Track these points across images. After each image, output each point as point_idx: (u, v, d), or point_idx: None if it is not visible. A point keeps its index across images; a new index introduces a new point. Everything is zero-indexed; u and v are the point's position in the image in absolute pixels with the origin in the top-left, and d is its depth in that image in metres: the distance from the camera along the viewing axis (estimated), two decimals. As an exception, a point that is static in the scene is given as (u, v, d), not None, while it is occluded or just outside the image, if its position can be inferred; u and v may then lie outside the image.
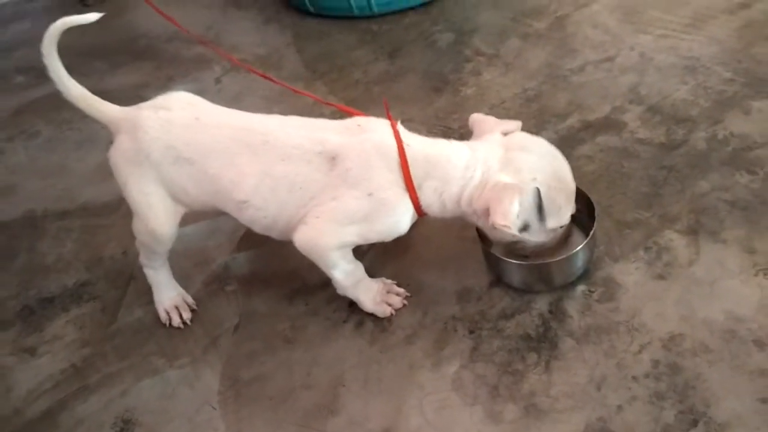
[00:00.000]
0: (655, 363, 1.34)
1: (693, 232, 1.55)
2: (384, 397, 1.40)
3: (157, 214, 1.50)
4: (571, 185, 1.41)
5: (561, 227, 1.43)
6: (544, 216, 1.37)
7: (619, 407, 1.29)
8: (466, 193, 1.39)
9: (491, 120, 1.48)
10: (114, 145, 1.51)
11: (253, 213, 1.46)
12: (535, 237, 1.41)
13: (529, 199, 1.35)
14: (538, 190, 1.35)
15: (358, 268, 1.51)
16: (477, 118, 1.50)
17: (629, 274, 1.50)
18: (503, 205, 1.32)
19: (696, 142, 1.75)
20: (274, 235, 1.50)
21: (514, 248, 1.47)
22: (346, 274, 1.49)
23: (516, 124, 1.46)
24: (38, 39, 1.45)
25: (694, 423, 1.24)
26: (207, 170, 1.45)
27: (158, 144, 1.44)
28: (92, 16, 1.48)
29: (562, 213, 1.40)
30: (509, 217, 1.32)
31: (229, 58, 1.84)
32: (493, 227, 1.34)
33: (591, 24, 2.22)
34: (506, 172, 1.36)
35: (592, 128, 1.86)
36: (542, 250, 1.46)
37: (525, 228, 1.37)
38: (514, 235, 1.36)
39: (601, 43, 2.14)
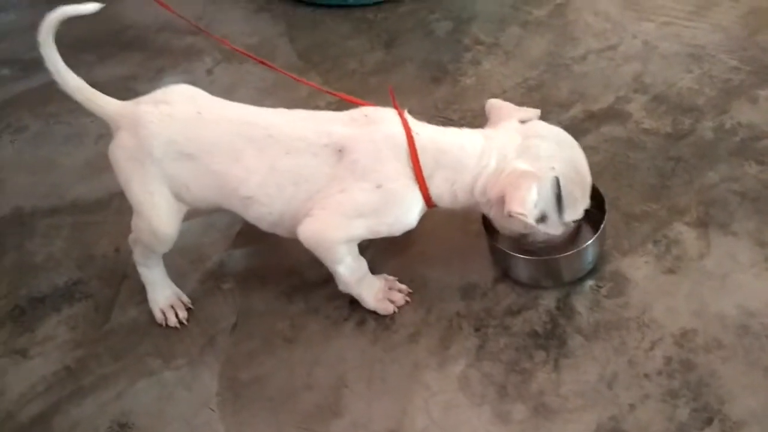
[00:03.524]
0: (668, 360, 1.31)
1: (703, 224, 1.52)
2: (388, 398, 1.36)
3: (160, 214, 1.45)
4: (588, 178, 1.37)
5: (574, 222, 1.39)
6: (562, 207, 1.31)
7: (632, 406, 1.26)
8: (480, 182, 1.34)
9: (509, 106, 1.43)
10: (114, 142, 1.46)
11: (258, 209, 1.42)
12: (552, 230, 1.35)
13: (548, 188, 1.30)
14: (557, 180, 1.30)
15: (363, 264, 1.47)
16: (494, 104, 1.44)
17: (638, 268, 1.46)
18: (520, 192, 1.27)
19: (703, 132, 1.72)
20: (280, 232, 1.46)
21: (522, 242, 1.43)
22: (351, 270, 1.45)
23: (534, 112, 1.42)
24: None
25: (709, 421, 1.22)
26: (210, 166, 1.40)
27: (159, 140, 1.40)
28: (91, 7, 1.41)
29: (577, 206, 1.36)
30: (526, 205, 1.27)
31: (229, 46, 1.77)
32: (508, 215, 1.29)
33: (592, 11, 2.18)
34: (523, 159, 1.32)
35: (595, 118, 1.83)
36: (550, 246, 1.42)
37: (542, 219, 1.31)
38: (526, 226, 1.32)
39: (602, 30, 2.10)
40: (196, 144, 1.40)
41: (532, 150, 1.32)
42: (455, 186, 1.36)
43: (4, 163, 2.16)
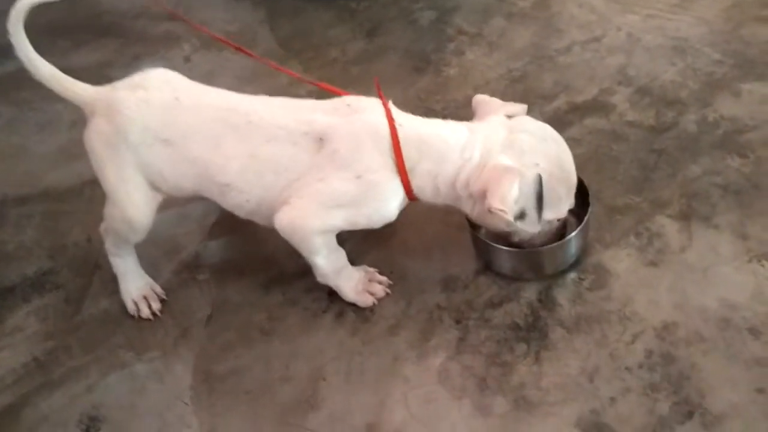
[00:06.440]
0: (649, 353, 1.30)
1: (685, 217, 1.51)
2: (367, 391, 1.34)
3: (134, 202, 1.42)
4: (573, 177, 1.35)
5: (558, 221, 1.37)
6: (542, 206, 1.30)
7: (613, 399, 1.25)
8: (462, 175, 1.31)
9: (495, 102, 1.41)
10: (89, 128, 1.42)
11: (236, 196, 1.39)
12: (529, 227, 1.33)
13: (530, 185, 1.28)
14: (540, 177, 1.28)
15: (341, 254, 1.45)
16: (480, 99, 1.42)
17: (620, 260, 1.45)
18: (502, 187, 1.26)
19: (686, 125, 1.71)
20: (257, 220, 1.43)
21: (505, 238, 1.41)
22: (329, 261, 1.42)
23: (521, 107, 1.40)
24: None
25: (690, 414, 1.21)
26: (187, 153, 1.37)
27: (136, 126, 1.36)
28: None
29: (560, 205, 1.34)
30: (507, 202, 1.25)
31: (209, 34, 1.73)
32: (489, 211, 1.28)
33: (577, 3, 2.17)
34: (508, 154, 1.29)
35: (579, 110, 1.81)
36: (533, 242, 1.39)
37: (521, 216, 1.30)
38: (508, 223, 1.30)
39: (587, 22, 2.09)
40: (174, 130, 1.37)
41: (516, 145, 1.30)
42: (438, 179, 1.33)
43: (-25, 149, 2.11)
